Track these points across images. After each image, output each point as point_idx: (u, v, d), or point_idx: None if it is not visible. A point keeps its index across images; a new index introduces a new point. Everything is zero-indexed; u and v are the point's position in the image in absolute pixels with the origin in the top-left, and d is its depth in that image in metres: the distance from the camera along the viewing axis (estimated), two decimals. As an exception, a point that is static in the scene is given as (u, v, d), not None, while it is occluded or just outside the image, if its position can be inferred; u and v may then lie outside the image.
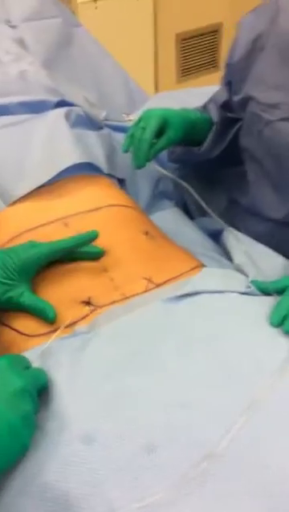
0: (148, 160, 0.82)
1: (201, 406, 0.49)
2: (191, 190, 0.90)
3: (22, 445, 0.45)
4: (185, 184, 0.92)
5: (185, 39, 2.42)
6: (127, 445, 0.46)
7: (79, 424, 0.48)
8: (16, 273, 0.61)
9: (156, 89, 2.37)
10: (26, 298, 0.61)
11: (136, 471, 0.44)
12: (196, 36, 2.45)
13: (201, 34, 2.46)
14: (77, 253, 0.66)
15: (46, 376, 0.52)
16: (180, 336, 0.56)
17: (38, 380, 0.50)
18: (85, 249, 0.66)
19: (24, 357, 0.53)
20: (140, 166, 0.82)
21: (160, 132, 0.83)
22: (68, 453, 0.46)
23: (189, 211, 1.02)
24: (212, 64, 2.58)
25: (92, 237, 0.66)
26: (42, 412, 0.49)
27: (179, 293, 0.61)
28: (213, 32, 2.48)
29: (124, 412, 0.48)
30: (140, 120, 0.84)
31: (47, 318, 0.60)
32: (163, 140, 0.84)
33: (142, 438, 0.46)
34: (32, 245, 0.64)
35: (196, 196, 0.91)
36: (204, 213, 1.01)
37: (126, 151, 0.84)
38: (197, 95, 1.16)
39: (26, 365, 0.52)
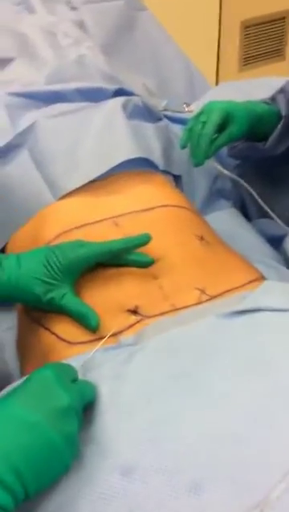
0: (207, 157, 0.75)
1: (254, 442, 0.43)
2: (250, 190, 0.84)
3: (64, 466, 0.42)
4: (244, 183, 0.85)
5: (249, 26, 2.31)
6: (168, 481, 0.41)
7: (117, 452, 0.43)
8: (60, 273, 0.58)
9: (217, 77, 2.28)
10: (69, 301, 0.57)
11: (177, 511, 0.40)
12: (261, 23, 2.33)
13: (267, 22, 2.34)
14: (125, 259, 0.61)
15: (94, 392, 0.48)
16: (235, 358, 0.50)
17: (86, 396, 0.46)
18: (134, 256, 0.61)
19: (72, 367, 0.49)
20: (198, 164, 0.76)
21: (222, 127, 0.76)
22: (104, 483, 0.42)
23: (248, 212, 0.95)
24: (277, 53, 2.45)
25: (145, 240, 0.61)
26: (82, 431, 0.45)
27: (237, 308, 0.55)
28: (280, 20, 2.35)
29: (166, 443, 0.43)
30: (200, 113, 0.77)
31: (90, 325, 0.56)
32: (225, 136, 0.77)
33: (185, 474, 0.41)
34: (80, 244, 0.60)
35: (256, 196, 0.84)
36: (264, 215, 0.94)
37: (184, 147, 0.78)
38: (263, 85, 1.08)
39: (73, 376, 0.48)
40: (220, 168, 0.85)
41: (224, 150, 0.91)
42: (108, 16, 1.09)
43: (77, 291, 0.60)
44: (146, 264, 0.61)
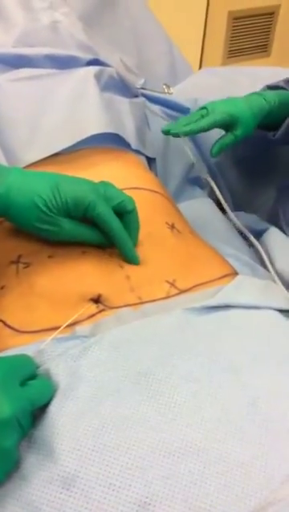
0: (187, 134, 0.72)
1: (215, 458, 0.38)
2: (213, 185, 0.79)
3: None
4: (209, 178, 0.80)
5: (237, 18, 2.26)
6: (113, 497, 0.36)
7: (58, 460, 0.38)
8: (67, 204, 0.52)
9: (201, 67, 2.22)
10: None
11: None
12: (249, 16, 2.29)
13: (256, 15, 2.30)
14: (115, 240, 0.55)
15: (50, 393, 0.42)
16: (200, 360, 0.44)
17: (38, 401, 0.40)
18: (125, 245, 0.55)
19: (30, 361, 0.43)
20: (175, 135, 0.72)
21: (226, 129, 0.74)
22: (41, 495, 0.36)
23: (222, 204, 0.90)
24: (262, 49, 2.42)
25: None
26: (26, 439, 0.40)
27: (206, 304, 0.50)
28: (269, 14, 2.32)
29: (113, 453, 0.38)
30: (202, 108, 0.73)
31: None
32: (229, 137, 0.74)
33: (133, 490, 0.36)
34: (100, 199, 0.54)
35: (218, 193, 0.79)
36: (239, 208, 0.89)
37: (165, 132, 0.73)
38: (248, 74, 1.04)
39: (29, 372, 0.42)
40: (190, 153, 0.80)
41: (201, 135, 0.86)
42: None
43: (42, 269, 0.54)
44: (131, 260, 0.56)
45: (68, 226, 0.53)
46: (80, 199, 0.52)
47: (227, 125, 0.73)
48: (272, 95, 0.77)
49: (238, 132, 0.73)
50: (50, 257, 0.54)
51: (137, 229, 0.57)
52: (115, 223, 0.54)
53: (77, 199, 0.52)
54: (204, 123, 0.71)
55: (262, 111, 0.75)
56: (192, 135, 0.77)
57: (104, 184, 0.56)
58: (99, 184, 0.55)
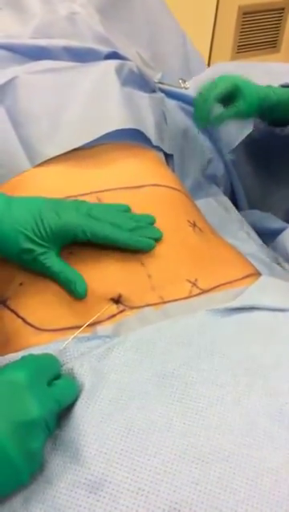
0: (209, 121, 0.74)
1: (244, 464, 0.37)
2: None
3: (19, 482, 0.36)
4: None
5: (247, 13, 2.23)
6: (142, 502, 0.35)
7: (85, 463, 0.37)
8: (52, 234, 0.50)
9: (209, 64, 2.20)
10: (54, 263, 0.50)
11: None
12: (260, 11, 2.26)
13: (266, 10, 2.27)
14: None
15: (74, 394, 0.41)
16: (226, 363, 0.43)
17: (63, 402, 0.40)
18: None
19: (55, 361, 0.42)
20: (201, 125, 0.78)
21: (230, 101, 0.75)
22: (67, 500, 0.36)
23: (238, 202, 0.89)
24: (271, 44, 2.39)
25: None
26: (51, 440, 0.39)
27: (231, 305, 0.49)
28: (279, 10, 2.29)
29: (142, 457, 0.37)
30: (211, 82, 0.75)
31: (76, 291, 0.49)
32: (231, 109, 0.74)
33: (162, 496, 0.35)
34: (84, 212, 0.53)
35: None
36: (254, 206, 0.89)
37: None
38: (262, 69, 1.02)
39: (55, 373, 0.41)
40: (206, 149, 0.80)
41: (218, 132, 0.86)
42: None
43: None
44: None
45: (50, 263, 0.51)
46: (66, 227, 0.51)
47: (232, 96, 0.74)
48: (282, 90, 0.78)
49: (241, 103, 0.73)
50: (70, 253, 0.53)
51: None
52: (109, 233, 0.52)
53: (61, 230, 0.51)
54: (225, 114, 0.74)
55: (268, 97, 0.76)
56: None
57: (79, 202, 0.55)
58: (78, 203, 0.54)
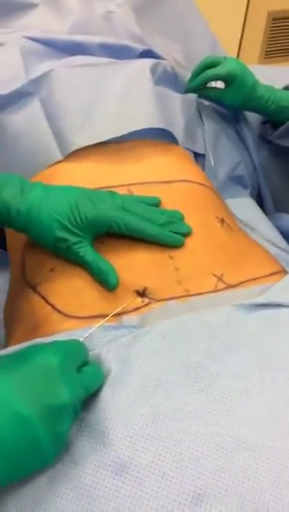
0: (194, 90, 0.83)
1: (268, 455, 0.38)
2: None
3: (44, 463, 0.37)
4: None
5: (276, 19, 2.23)
6: (166, 486, 0.36)
7: (111, 446, 0.38)
8: (87, 222, 0.52)
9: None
10: (88, 252, 0.52)
11: None
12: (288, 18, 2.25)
13: (295, 17, 2.26)
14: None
15: (100, 380, 0.42)
16: (252, 357, 0.44)
17: (90, 388, 0.40)
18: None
19: (84, 347, 0.43)
20: (186, 91, 0.84)
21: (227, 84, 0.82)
22: (92, 480, 0.36)
23: (264, 204, 0.90)
24: (300, 51, 2.38)
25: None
26: (77, 422, 0.40)
27: (257, 301, 0.49)
28: (309, 16, 2.28)
29: (167, 443, 0.38)
30: (220, 58, 0.83)
31: (108, 281, 0.51)
32: (212, 91, 0.84)
33: (187, 481, 0.36)
34: (119, 206, 0.54)
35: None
36: (281, 209, 0.89)
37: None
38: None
39: (83, 359, 0.42)
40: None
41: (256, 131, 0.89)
42: None
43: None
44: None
45: (84, 252, 0.53)
46: (100, 220, 0.52)
47: (229, 80, 0.81)
48: (284, 93, 0.83)
49: (226, 91, 0.82)
50: (100, 243, 0.55)
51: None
52: (143, 227, 0.54)
53: (97, 220, 0.52)
54: (209, 92, 0.84)
55: (265, 97, 0.82)
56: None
57: (113, 193, 0.56)
58: (113, 195, 0.55)
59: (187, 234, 0.56)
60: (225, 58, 0.83)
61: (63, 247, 0.52)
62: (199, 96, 0.84)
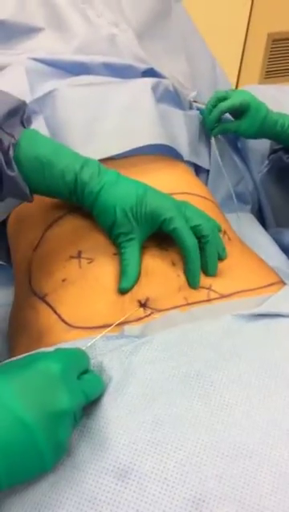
0: (212, 127, 0.83)
1: (266, 462, 0.38)
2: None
3: (42, 469, 0.37)
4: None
5: (276, 40, 2.28)
6: (168, 491, 0.36)
7: (113, 451, 0.38)
8: (145, 215, 0.54)
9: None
10: (129, 249, 0.55)
11: None
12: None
13: (295, 38, 2.31)
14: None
15: (100, 388, 0.42)
16: (251, 366, 0.44)
17: (90, 396, 0.41)
18: (191, 265, 0.56)
19: (85, 356, 0.44)
20: (208, 128, 0.84)
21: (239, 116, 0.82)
22: (95, 486, 0.37)
23: (265, 220, 0.91)
24: (300, 72, 2.42)
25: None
26: (79, 428, 0.41)
27: (256, 311, 0.50)
28: (309, 38, 2.33)
29: (169, 448, 0.38)
30: (226, 92, 0.83)
31: (119, 284, 0.54)
32: (231, 125, 0.82)
33: (188, 486, 0.36)
34: (177, 213, 0.55)
35: None
36: (281, 225, 0.90)
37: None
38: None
39: (84, 367, 0.43)
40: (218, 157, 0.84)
41: (249, 149, 0.89)
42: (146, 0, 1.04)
43: (100, 266, 0.56)
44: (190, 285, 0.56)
45: (127, 246, 0.55)
46: (158, 212, 0.54)
47: (241, 110, 0.81)
48: None
49: (243, 122, 0.81)
50: (115, 254, 0.56)
51: (214, 256, 0.57)
52: (189, 241, 0.55)
53: (155, 211, 0.54)
54: (226, 126, 0.82)
55: (274, 125, 0.82)
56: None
57: (185, 204, 0.57)
58: (181, 203, 0.57)
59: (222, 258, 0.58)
60: (234, 90, 0.84)
61: (115, 233, 0.55)
62: (218, 134, 0.84)
